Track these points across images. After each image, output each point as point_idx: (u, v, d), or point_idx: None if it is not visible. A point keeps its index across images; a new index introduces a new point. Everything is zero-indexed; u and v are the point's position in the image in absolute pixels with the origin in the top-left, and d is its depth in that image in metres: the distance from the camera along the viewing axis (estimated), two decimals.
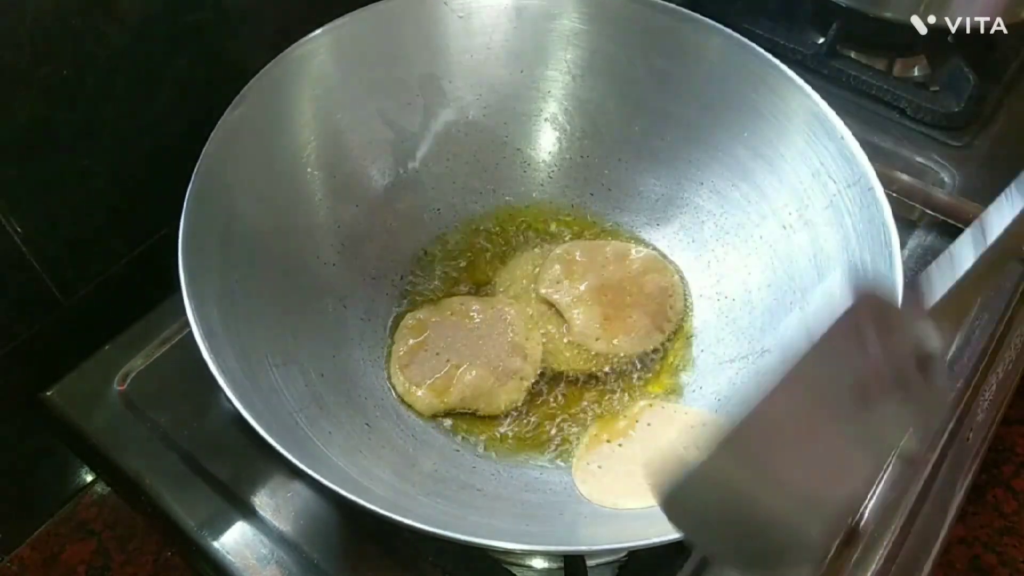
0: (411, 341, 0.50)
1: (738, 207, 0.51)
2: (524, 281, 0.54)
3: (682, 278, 0.54)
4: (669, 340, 0.52)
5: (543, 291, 0.53)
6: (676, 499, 0.28)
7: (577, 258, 0.54)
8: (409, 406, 0.49)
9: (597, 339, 0.51)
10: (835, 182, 0.45)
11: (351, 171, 0.52)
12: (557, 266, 0.54)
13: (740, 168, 0.51)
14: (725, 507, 0.29)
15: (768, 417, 0.29)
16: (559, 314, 0.52)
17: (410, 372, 0.49)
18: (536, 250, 0.56)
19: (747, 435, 0.28)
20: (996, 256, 0.30)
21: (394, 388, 0.49)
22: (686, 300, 0.53)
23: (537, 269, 0.54)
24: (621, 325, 0.51)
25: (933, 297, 0.29)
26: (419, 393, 0.48)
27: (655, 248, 0.55)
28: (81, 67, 0.45)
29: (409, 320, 0.51)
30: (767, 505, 0.29)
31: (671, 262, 0.55)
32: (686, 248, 0.54)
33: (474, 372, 0.48)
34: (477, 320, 0.51)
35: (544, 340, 0.52)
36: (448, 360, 0.49)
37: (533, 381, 0.50)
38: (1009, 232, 0.30)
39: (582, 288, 0.52)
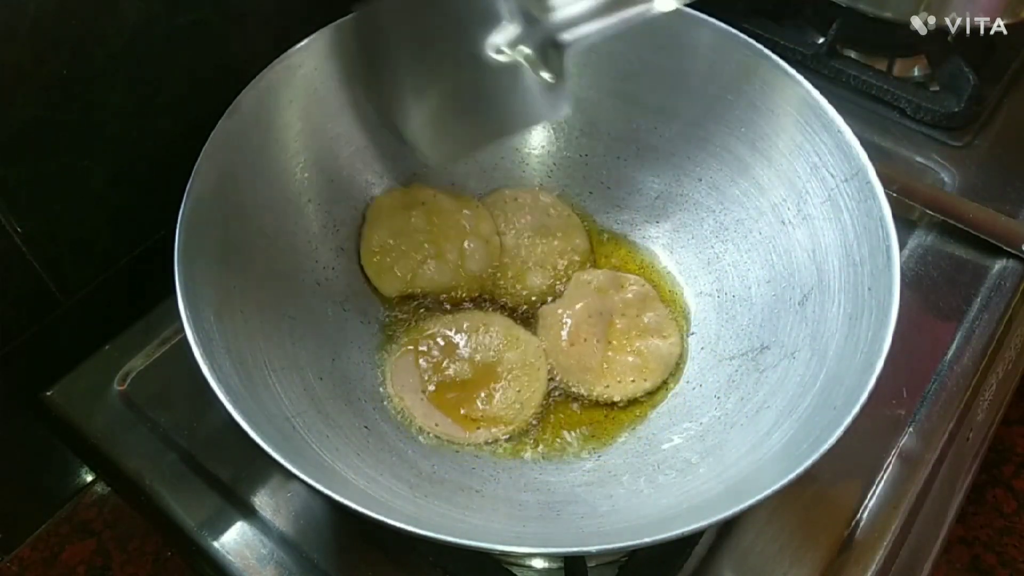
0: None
1: (737, 203, 0.51)
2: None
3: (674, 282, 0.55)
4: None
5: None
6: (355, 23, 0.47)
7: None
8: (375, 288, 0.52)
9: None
10: (833, 176, 0.45)
11: (348, 175, 0.52)
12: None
13: (738, 163, 0.51)
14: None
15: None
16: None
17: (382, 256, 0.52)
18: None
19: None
20: None
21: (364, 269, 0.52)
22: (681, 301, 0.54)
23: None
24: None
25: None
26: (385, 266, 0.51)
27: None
28: (81, 67, 0.45)
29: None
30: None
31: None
32: (685, 245, 0.54)
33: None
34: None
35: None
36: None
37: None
38: None
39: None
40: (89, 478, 0.58)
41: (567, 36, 0.42)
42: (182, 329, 0.37)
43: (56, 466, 0.57)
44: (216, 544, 0.46)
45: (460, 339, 0.51)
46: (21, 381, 0.51)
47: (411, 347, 0.50)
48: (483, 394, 0.49)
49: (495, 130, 0.49)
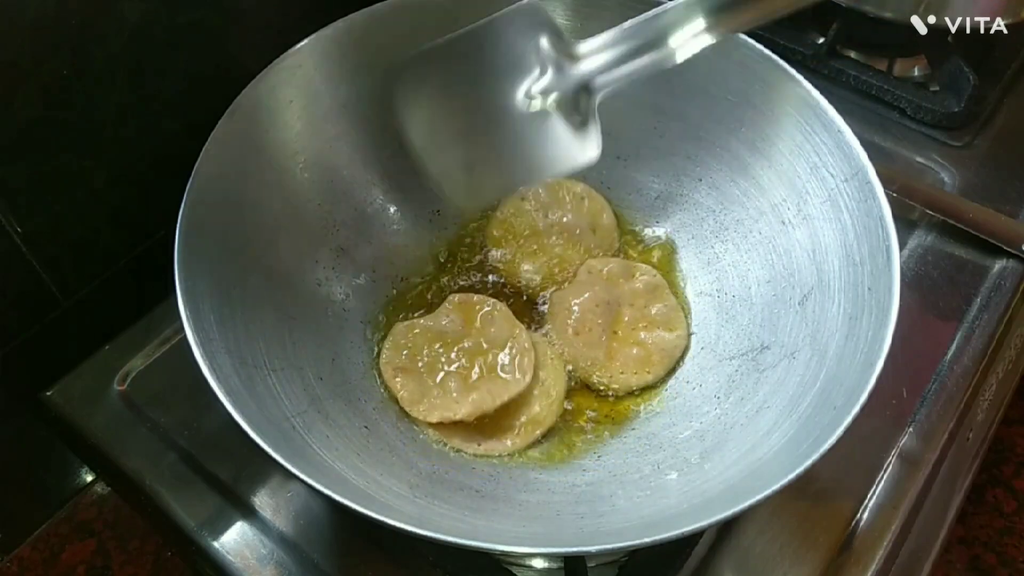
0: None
1: (737, 203, 0.51)
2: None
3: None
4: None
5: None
6: (399, 71, 0.46)
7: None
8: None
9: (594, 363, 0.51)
10: (833, 176, 0.45)
11: (348, 175, 0.52)
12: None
13: (738, 163, 0.51)
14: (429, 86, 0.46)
15: (451, 48, 0.45)
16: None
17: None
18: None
19: (440, 54, 0.46)
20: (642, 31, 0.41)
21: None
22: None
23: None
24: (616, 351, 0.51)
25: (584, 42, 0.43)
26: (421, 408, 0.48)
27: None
28: (81, 67, 0.45)
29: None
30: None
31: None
32: (686, 245, 0.54)
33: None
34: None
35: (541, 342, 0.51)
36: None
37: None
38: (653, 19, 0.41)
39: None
40: (89, 478, 0.58)
41: (596, 82, 0.43)
42: (182, 329, 0.37)
43: (56, 466, 0.57)
44: (216, 544, 0.46)
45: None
46: (21, 381, 0.51)
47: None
48: (516, 403, 0.48)
49: (523, 176, 0.49)
